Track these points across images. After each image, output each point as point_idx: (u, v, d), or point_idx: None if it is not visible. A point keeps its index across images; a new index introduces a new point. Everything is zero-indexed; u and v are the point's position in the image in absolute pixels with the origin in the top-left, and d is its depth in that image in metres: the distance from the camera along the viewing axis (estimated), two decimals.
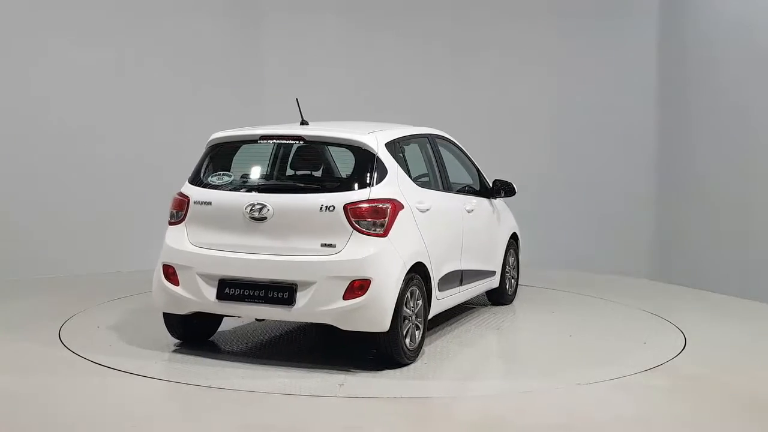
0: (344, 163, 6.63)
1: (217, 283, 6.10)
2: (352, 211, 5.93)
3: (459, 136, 7.95)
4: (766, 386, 6.07)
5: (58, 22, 9.51)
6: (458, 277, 7.07)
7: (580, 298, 8.88)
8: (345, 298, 5.83)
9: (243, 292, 6.05)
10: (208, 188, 6.34)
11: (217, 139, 6.61)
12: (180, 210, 6.37)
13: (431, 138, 7.30)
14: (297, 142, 6.44)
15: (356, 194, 6.01)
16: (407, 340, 6.14)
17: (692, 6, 10.26)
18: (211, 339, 6.95)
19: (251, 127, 6.85)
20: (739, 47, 9.37)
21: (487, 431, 5.09)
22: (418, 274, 6.29)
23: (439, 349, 6.74)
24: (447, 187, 7.19)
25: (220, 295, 6.09)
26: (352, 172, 6.28)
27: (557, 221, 8.42)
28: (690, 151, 10.16)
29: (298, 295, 5.91)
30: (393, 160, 6.36)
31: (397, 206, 6.12)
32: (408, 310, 6.15)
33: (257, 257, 6.03)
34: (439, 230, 6.71)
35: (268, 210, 6.03)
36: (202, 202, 6.27)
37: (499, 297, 8.28)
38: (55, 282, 9.06)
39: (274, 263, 5.99)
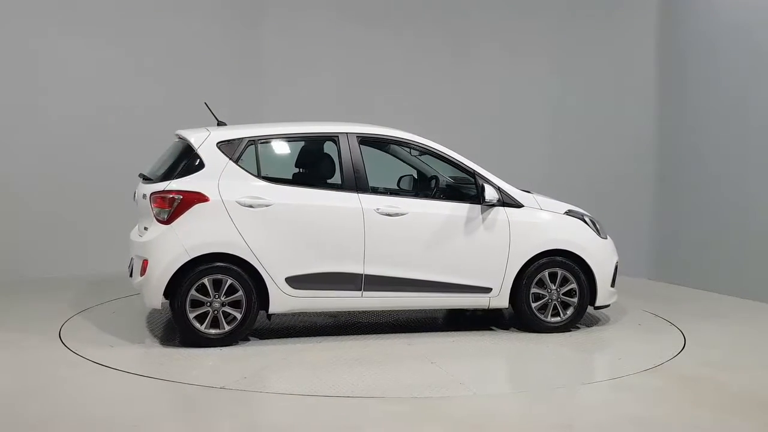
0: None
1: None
2: (152, 199, 6.68)
3: (457, 134, 7.90)
4: (766, 386, 6.08)
5: (54, 19, 9.52)
6: (354, 281, 6.87)
7: None
8: (141, 274, 6.68)
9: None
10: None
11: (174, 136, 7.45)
12: None
13: (344, 137, 7.04)
14: (179, 139, 7.15)
15: (159, 185, 6.70)
16: (202, 326, 6.61)
17: (692, 5, 10.27)
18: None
19: (201, 128, 7.25)
20: (739, 47, 9.37)
21: (488, 431, 5.11)
22: (237, 265, 6.63)
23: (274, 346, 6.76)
24: (357, 187, 6.95)
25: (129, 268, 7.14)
26: (171, 166, 6.88)
27: None
28: (690, 150, 10.16)
29: (134, 269, 6.86)
30: (223, 156, 6.77)
31: (192, 198, 6.59)
32: (206, 298, 6.61)
33: (134, 237, 7.06)
34: (291, 227, 6.74)
35: (136, 197, 7.05)
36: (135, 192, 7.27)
37: (528, 321, 7.36)
38: (55, 282, 9.06)
39: (132, 242, 7.01)
